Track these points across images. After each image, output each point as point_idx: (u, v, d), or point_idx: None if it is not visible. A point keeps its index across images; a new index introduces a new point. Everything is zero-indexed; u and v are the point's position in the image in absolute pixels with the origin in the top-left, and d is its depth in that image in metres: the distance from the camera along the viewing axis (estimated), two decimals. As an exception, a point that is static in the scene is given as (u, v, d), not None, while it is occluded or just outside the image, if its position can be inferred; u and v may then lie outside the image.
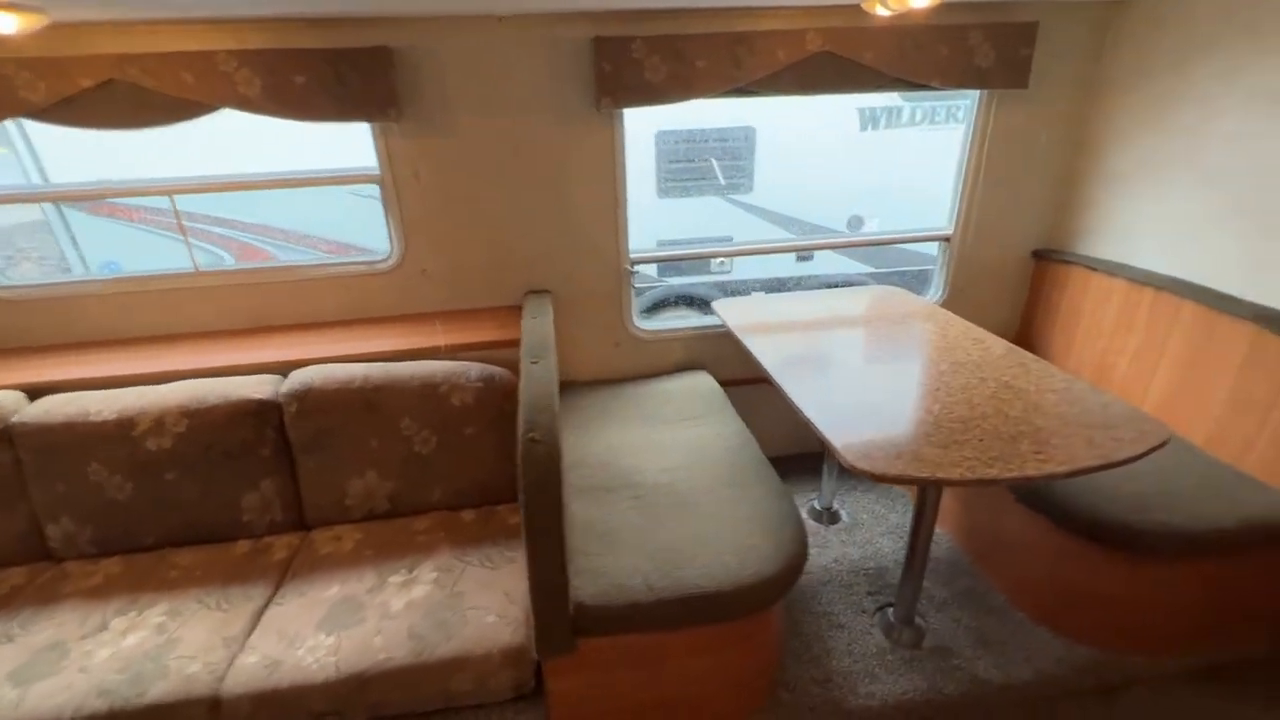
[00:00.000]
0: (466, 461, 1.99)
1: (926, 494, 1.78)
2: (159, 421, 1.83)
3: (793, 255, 4.46)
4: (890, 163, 4.26)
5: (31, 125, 2.47)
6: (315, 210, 4.34)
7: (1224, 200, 1.99)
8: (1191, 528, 1.67)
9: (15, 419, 1.80)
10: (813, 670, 1.86)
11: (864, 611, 2.07)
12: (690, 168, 4.19)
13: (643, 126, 4.05)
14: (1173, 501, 1.75)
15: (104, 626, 1.62)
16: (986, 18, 2.18)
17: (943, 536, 2.39)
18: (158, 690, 1.43)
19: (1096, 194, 2.45)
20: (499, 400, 1.99)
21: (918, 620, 2.00)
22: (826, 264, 4.66)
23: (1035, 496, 1.86)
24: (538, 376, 1.62)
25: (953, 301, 2.72)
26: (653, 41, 2.02)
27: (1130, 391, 2.28)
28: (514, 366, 1.89)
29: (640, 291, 4.54)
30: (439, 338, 2.13)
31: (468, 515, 2.00)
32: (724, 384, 2.50)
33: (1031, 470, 1.34)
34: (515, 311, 2.30)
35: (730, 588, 1.49)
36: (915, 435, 1.49)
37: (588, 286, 2.44)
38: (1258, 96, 1.86)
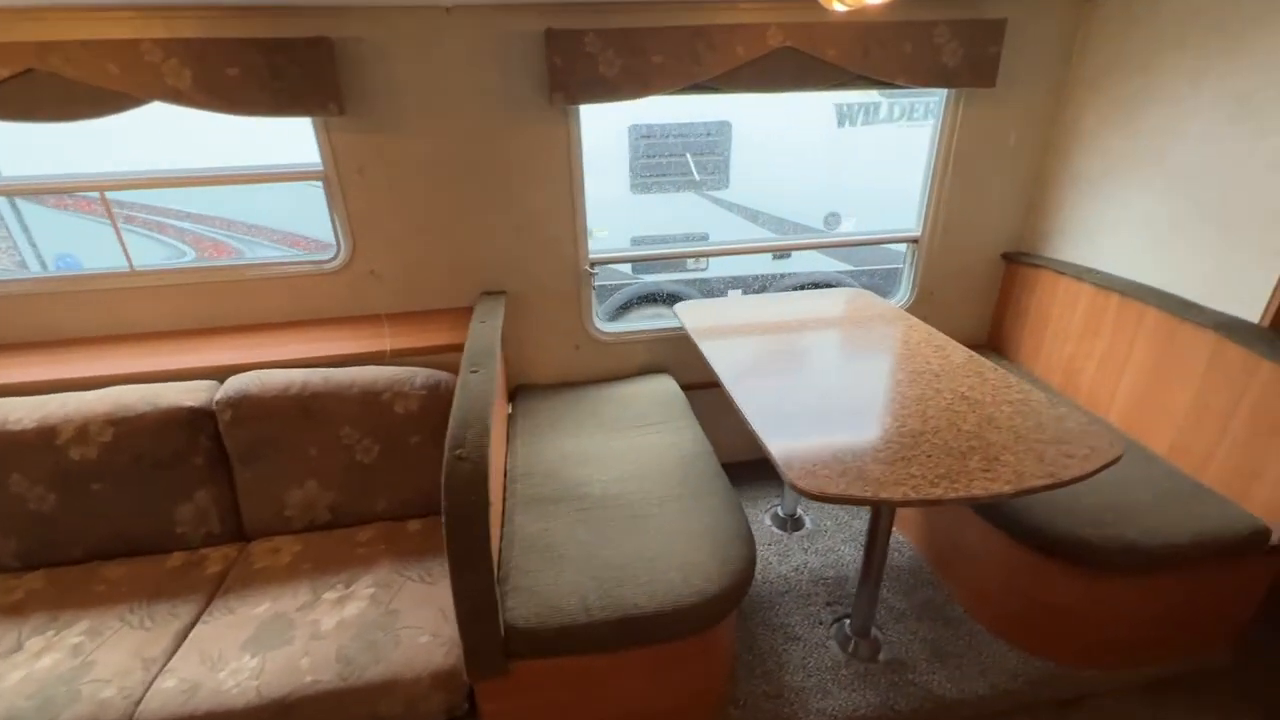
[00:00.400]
0: (410, 471, 1.92)
1: (881, 508, 1.73)
2: (83, 430, 1.75)
3: (768, 253, 4.39)
4: (867, 160, 4.21)
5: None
6: (294, 205, 4.23)
7: (1188, 205, 1.94)
8: (1145, 543, 1.63)
9: (-70, 427, 1.72)
10: (765, 685, 1.82)
11: (821, 623, 2.03)
12: (664, 163, 4.11)
13: (615, 121, 3.96)
14: (1129, 515, 1.72)
15: (19, 647, 1.54)
16: (953, 14, 2.12)
17: (905, 544, 2.35)
18: (67, 716, 1.36)
19: (1065, 196, 2.40)
20: (444, 408, 1.91)
21: (874, 632, 1.97)
22: (804, 262, 4.61)
23: (991, 509, 1.82)
24: (474, 387, 1.55)
25: (921, 304, 2.67)
26: (607, 35, 1.94)
27: (1097, 397, 2.25)
28: (459, 373, 1.82)
29: (612, 290, 4.49)
30: (385, 341, 2.06)
31: (413, 526, 1.93)
32: (687, 388, 2.44)
33: (978, 490, 1.29)
34: (468, 314, 2.23)
35: (671, 608, 1.44)
36: (864, 450, 1.44)
37: (545, 287, 2.37)
38: (1224, 98, 1.81)
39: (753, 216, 4.38)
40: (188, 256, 4.14)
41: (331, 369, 1.92)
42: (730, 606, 1.51)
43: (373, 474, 1.91)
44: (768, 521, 2.48)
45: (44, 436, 1.73)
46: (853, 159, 4.25)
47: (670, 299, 4.55)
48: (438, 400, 1.92)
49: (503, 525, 1.72)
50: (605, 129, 3.98)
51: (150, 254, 4.10)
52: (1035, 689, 1.81)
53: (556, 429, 2.20)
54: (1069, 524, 1.69)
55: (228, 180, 2.13)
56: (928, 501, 1.28)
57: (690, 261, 4.45)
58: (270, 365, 1.95)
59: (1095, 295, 2.24)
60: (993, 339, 2.78)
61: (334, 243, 2.19)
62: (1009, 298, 2.67)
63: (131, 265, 2.11)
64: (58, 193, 2.10)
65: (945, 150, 2.41)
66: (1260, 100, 1.72)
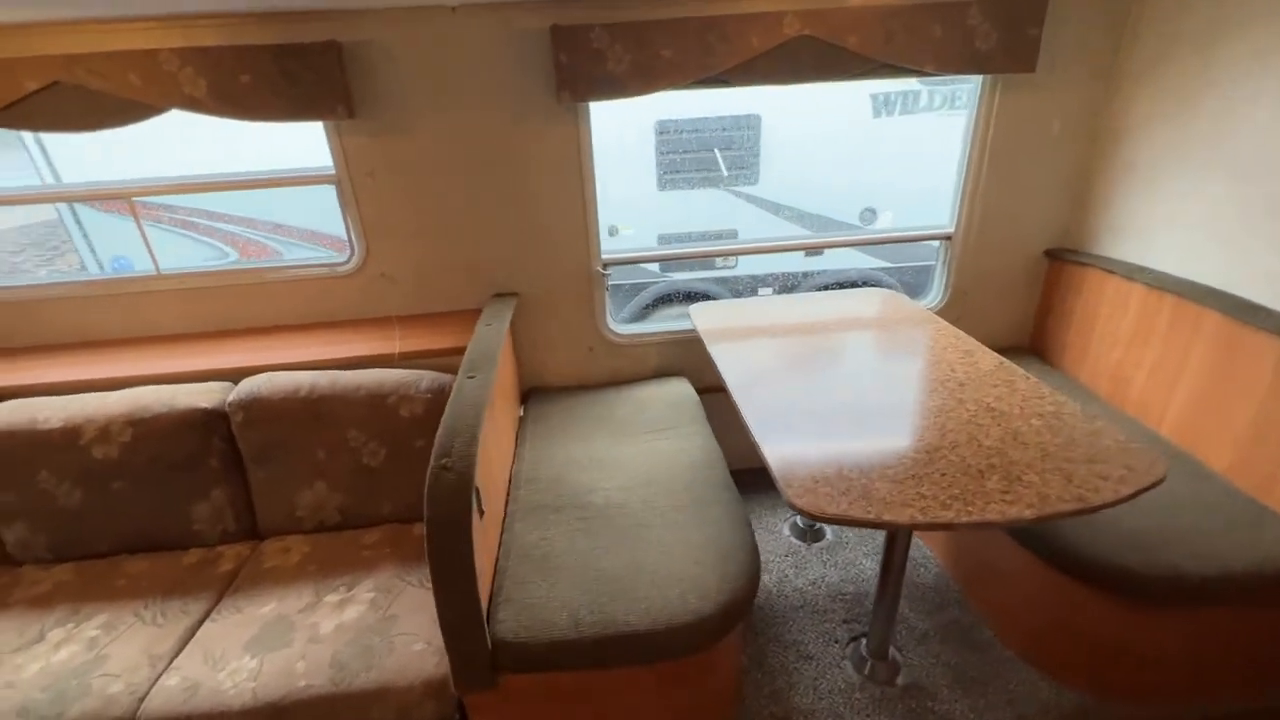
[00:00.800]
0: (415, 475, 1.91)
1: (897, 524, 1.63)
2: (104, 430, 1.81)
3: (789, 251, 4.25)
4: (906, 152, 4.01)
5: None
6: (330, 205, 4.34)
7: (1254, 196, 1.75)
8: (1194, 571, 1.48)
9: (-31, 425, 1.81)
10: (772, 707, 1.74)
11: (836, 641, 1.93)
12: (692, 158, 4.02)
13: (641, 116, 3.90)
14: (1177, 539, 1.56)
15: (40, 638, 1.61)
16: (986, -6, 1.97)
17: (931, 560, 2.22)
18: (75, 711, 1.41)
19: (1115, 188, 2.21)
20: (449, 411, 1.90)
21: (893, 654, 1.86)
22: (838, 260, 4.44)
23: (1022, 529, 1.69)
24: (468, 394, 1.53)
25: (954, 305, 2.52)
26: (614, 29, 1.88)
27: (1148, 408, 2.07)
28: (462, 377, 1.80)
29: (640, 288, 4.43)
30: (395, 344, 2.06)
31: (418, 529, 1.93)
32: (703, 392, 2.37)
33: (993, 515, 1.19)
34: (479, 316, 2.21)
35: (664, 627, 1.38)
36: (872, 466, 1.34)
37: (557, 289, 2.34)
38: (1297, 79, 1.62)
39: (783, 212, 4.25)
40: (230, 257, 4.31)
41: (340, 371, 1.94)
42: (728, 626, 1.44)
43: (379, 477, 1.92)
44: (786, 531, 2.39)
45: (69, 436, 1.80)
46: (890, 151, 4.06)
47: (699, 297, 4.47)
48: (442, 404, 1.89)
49: (503, 533, 1.70)
50: (632, 125, 3.93)
51: (196, 255, 4.27)
52: (1068, 724, 1.68)
53: (566, 433, 2.16)
54: (1108, 548, 1.55)
55: (243, 185, 2.17)
56: (936, 525, 1.18)
57: (719, 259, 4.35)
58: (283, 367, 1.98)
59: (1148, 296, 2.05)
60: (1034, 343, 2.60)
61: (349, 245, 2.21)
62: (1053, 298, 2.48)
63: (158, 269, 2.18)
64: (86, 200, 2.18)
65: (981, 141, 2.25)
66: (1339, 79, 1.53)
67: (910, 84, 3.91)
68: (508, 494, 1.86)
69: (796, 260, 4.42)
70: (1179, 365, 1.95)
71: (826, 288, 4.51)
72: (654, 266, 4.41)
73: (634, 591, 1.46)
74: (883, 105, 3.97)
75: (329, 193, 2.12)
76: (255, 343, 2.15)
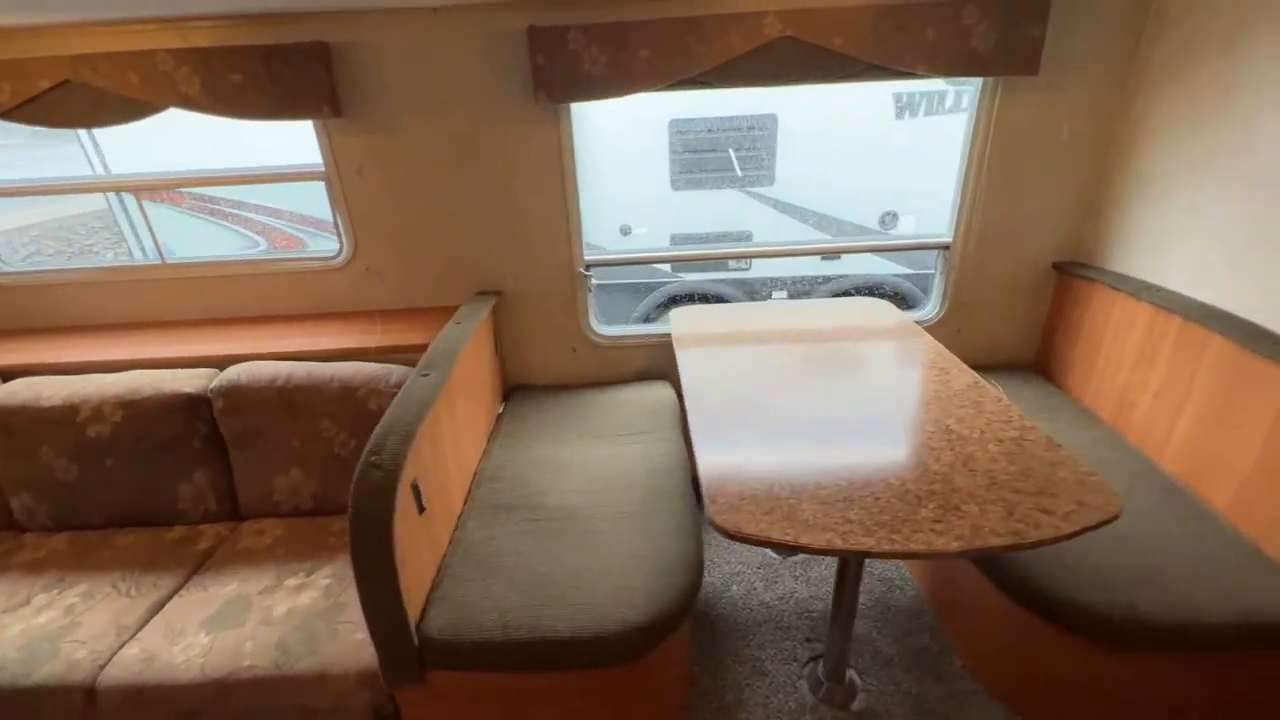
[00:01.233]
0: (382, 467, 1.97)
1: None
2: (98, 410, 1.92)
3: (784, 255, 4.17)
4: (930, 155, 3.84)
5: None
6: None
7: (1271, 214, 1.60)
8: (1163, 617, 1.37)
9: (-16, 399, 1.95)
10: (718, 721, 1.72)
11: (795, 660, 1.89)
12: (706, 158, 3.97)
13: (655, 115, 3.87)
14: (1155, 581, 1.45)
15: (27, 601, 1.72)
16: (984, -8, 1.86)
17: (909, 583, 2.14)
18: (43, 673, 1.50)
19: (1128, 199, 2.07)
20: (417, 407, 1.94)
21: (851, 677, 1.80)
22: (857, 264, 4.31)
23: (986, 558, 1.60)
24: (416, 392, 1.55)
25: (953, 317, 2.41)
26: (591, 30, 1.87)
27: (1150, 437, 1.93)
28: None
29: (651, 288, 4.41)
30: (374, 338, 2.12)
31: (385, 520, 1.97)
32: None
33: (917, 545, 1.13)
34: (459, 313, 2.25)
35: (589, 636, 1.37)
36: (805, 486, 1.30)
37: (540, 289, 2.35)
38: (1320, 84, 1.48)
39: (800, 215, 4.14)
40: (260, 247, 4.51)
41: (317, 364, 2.00)
42: (656, 640, 1.42)
43: (349, 467, 1.97)
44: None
45: (67, 414, 1.92)
46: (913, 154, 3.90)
47: (711, 299, 4.42)
48: (412, 399, 1.95)
49: (455, 529, 1.72)
50: (646, 124, 3.90)
51: (227, 244, 4.49)
52: (1029, 768, 1.59)
53: (538, 433, 2.18)
54: (1072, 585, 1.45)
55: (238, 181, 2.27)
56: (852, 552, 1.13)
57: (732, 261, 4.29)
58: (270, 356, 2.06)
59: (1155, 317, 1.91)
60: (1040, 361, 2.46)
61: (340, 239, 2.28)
62: (1060, 314, 2.34)
63: (163, 258, 2.30)
64: (93, 191, 2.31)
65: (980, 147, 2.14)
66: (1362, 85, 1.38)
67: (936, 84, 3.75)
68: (469, 491, 1.88)
69: (813, 264, 4.31)
70: (1184, 393, 1.81)
71: (846, 293, 4.39)
72: (666, 267, 4.39)
73: (566, 598, 1.46)
74: (906, 106, 3.82)
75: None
76: (248, 331, 2.24)
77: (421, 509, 1.47)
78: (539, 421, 2.26)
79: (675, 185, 4.06)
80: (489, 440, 2.15)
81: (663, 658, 1.55)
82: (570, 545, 1.63)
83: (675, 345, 2.01)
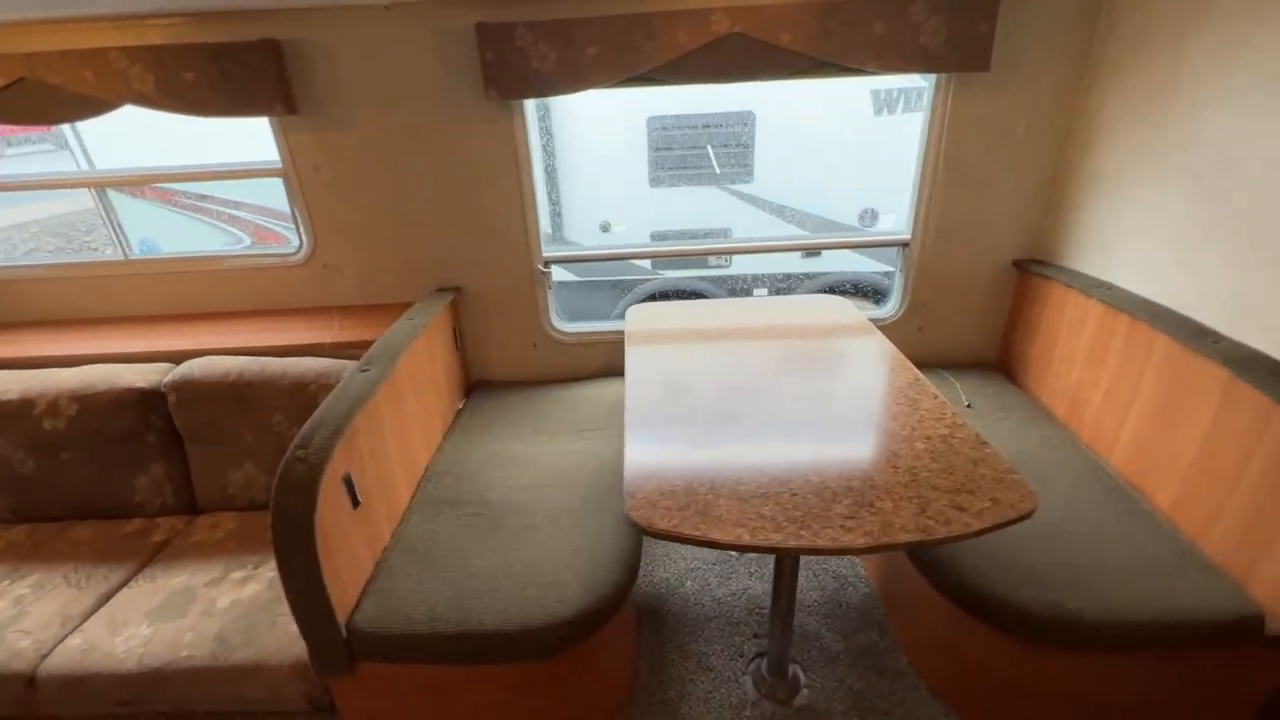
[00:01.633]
0: (334, 461, 1.98)
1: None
2: (54, 404, 1.95)
3: (743, 253, 4.18)
4: (907, 151, 3.82)
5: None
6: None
7: (1214, 210, 1.59)
8: (1090, 615, 1.37)
9: (-56, 393, 1.98)
10: (659, 716, 1.72)
11: (741, 655, 1.89)
12: (684, 156, 3.97)
13: (633, 112, 3.86)
14: (1087, 579, 1.45)
15: (-21, 592, 1.75)
16: (934, -13, 1.85)
17: (863, 580, 2.14)
18: (-15, 659, 1.53)
19: (1084, 196, 2.05)
20: (368, 402, 1.96)
21: (796, 673, 1.81)
22: (837, 261, 4.30)
23: (921, 553, 1.60)
24: (353, 388, 1.56)
25: (913, 315, 2.40)
26: (538, 27, 1.87)
27: (1100, 435, 1.92)
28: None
29: (631, 285, 4.41)
30: (330, 334, 2.13)
31: (337, 514, 1.99)
32: (644, 393, 2.34)
33: (824, 541, 1.13)
34: (417, 309, 2.26)
35: (515, 629, 1.38)
36: (725, 482, 1.30)
37: (500, 285, 2.36)
38: (1257, 79, 1.46)
39: (780, 212, 4.14)
40: (244, 243, 4.54)
41: (271, 359, 2.02)
42: (583, 634, 1.43)
43: (301, 461, 1.99)
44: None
45: (24, 407, 1.95)
46: (892, 151, 3.88)
47: (691, 296, 4.42)
48: (363, 394, 1.96)
49: (399, 524, 1.74)
50: (624, 121, 3.90)
51: (212, 240, 4.52)
52: (965, 765, 1.59)
53: (494, 428, 2.19)
54: (1003, 583, 1.45)
55: (197, 177, 2.29)
56: (759, 548, 1.13)
57: (713, 258, 4.28)
58: (228, 351, 2.08)
59: (1105, 315, 1.90)
60: (1002, 359, 2.45)
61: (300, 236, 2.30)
62: (1020, 312, 2.33)
63: (127, 254, 2.33)
64: (52, 188, 2.33)
65: (936, 144, 2.13)
66: (1294, 80, 1.37)
67: (915, 80, 3.72)
68: (418, 486, 1.90)
69: (794, 261, 4.31)
70: (1132, 391, 1.80)
71: (832, 290, 4.38)
72: (647, 264, 4.39)
73: (497, 592, 1.47)
74: (884, 103, 3.80)
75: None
76: (208, 327, 2.26)
77: (356, 503, 1.49)
78: (497, 417, 2.27)
79: (654, 182, 4.06)
80: (445, 435, 2.17)
81: (595, 651, 1.56)
82: (508, 540, 1.64)
83: (627, 342, 2.01)
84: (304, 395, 1.96)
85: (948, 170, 2.16)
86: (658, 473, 1.34)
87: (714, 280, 4.38)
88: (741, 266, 4.34)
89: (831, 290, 4.27)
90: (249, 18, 1.93)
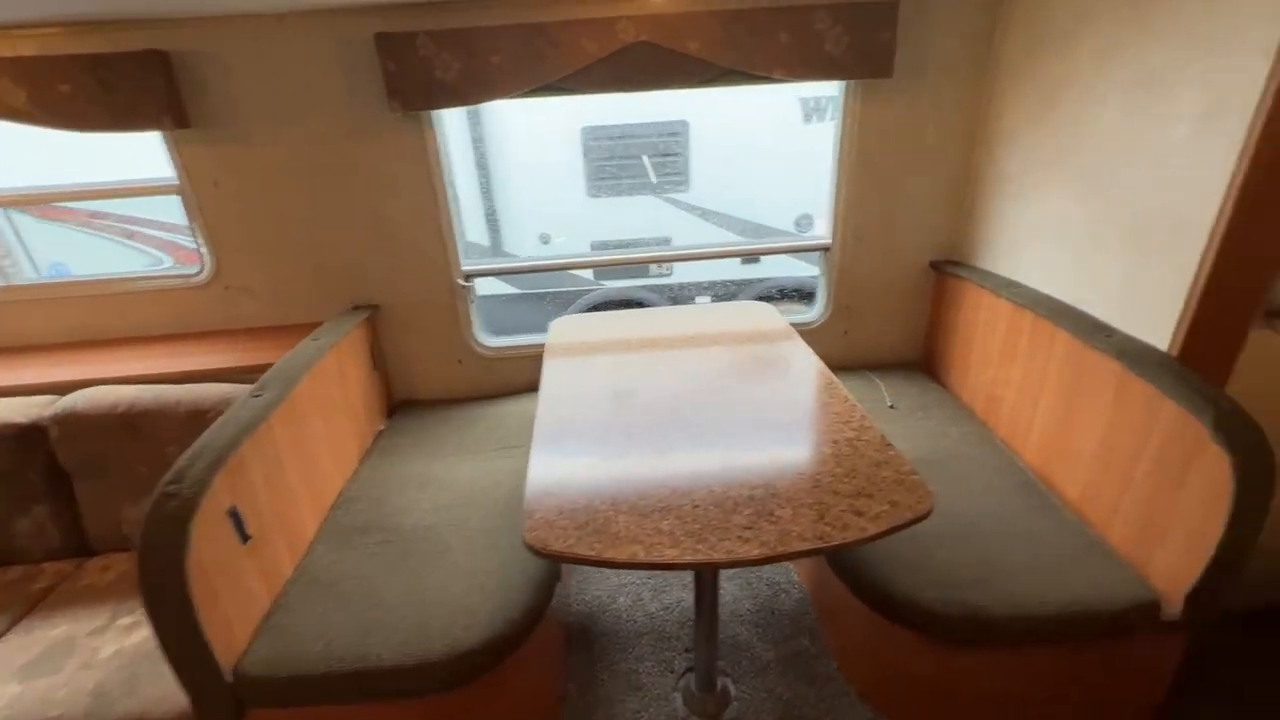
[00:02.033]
0: (237, 492, 1.87)
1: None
2: (-79, 444, 1.79)
3: (665, 261, 4.21)
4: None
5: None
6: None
7: (1102, 208, 1.65)
8: (995, 613, 1.38)
9: None
10: (584, 741, 1.67)
11: (672, 671, 1.85)
12: (621, 165, 3.96)
13: (568, 122, 3.84)
14: (994, 577, 1.46)
15: None
16: (835, -3, 1.89)
17: (795, 585, 2.13)
18: None
19: (990, 198, 2.11)
20: (272, 428, 1.86)
21: (724, 685, 1.78)
22: (778, 266, 4.35)
23: (837, 556, 1.60)
24: (241, 414, 1.47)
25: (839, 319, 2.43)
26: (440, 36, 1.83)
27: (1015, 431, 1.96)
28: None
29: (573, 296, 4.38)
30: (235, 357, 2.02)
31: (243, 548, 1.88)
32: (573, 407, 2.30)
33: (718, 555, 1.10)
34: (331, 328, 2.17)
35: (414, 663, 1.32)
36: (627, 496, 1.27)
37: (420, 300, 2.29)
38: (1133, 80, 1.52)
39: (717, 219, 4.17)
40: (165, 264, 4.32)
41: (166, 386, 1.90)
42: (495, 660, 1.37)
43: (202, 494, 1.87)
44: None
45: (-116, 450, 1.78)
46: (823, 157, 3.95)
47: (636, 306, 4.40)
48: (267, 420, 1.86)
49: (304, 555, 1.64)
50: (559, 132, 3.87)
51: (129, 262, 4.30)
52: (892, 769, 1.58)
53: (415, 449, 2.11)
54: (912, 584, 1.45)
55: (89, 195, 2.16)
56: (654, 565, 1.10)
57: (654, 267, 4.28)
58: (120, 380, 1.95)
59: (1013, 313, 1.95)
60: (927, 360, 2.50)
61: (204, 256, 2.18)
62: (939, 312, 2.38)
63: (8, 280, 2.17)
64: None
65: (849, 149, 2.17)
66: (1158, 84, 1.43)
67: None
68: (327, 514, 1.81)
69: (735, 267, 4.34)
70: (1039, 387, 1.85)
71: (771, 296, 4.43)
72: (589, 275, 4.36)
73: (400, 622, 1.40)
74: (813, 110, 3.88)
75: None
76: (103, 354, 2.12)
77: (246, 537, 1.40)
78: (420, 437, 2.19)
79: (592, 192, 4.04)
80: (363, 459, 2.08)
81: (510, 678, 1.49)
82: (418, 566, 1.57)
83: (545, 355, 1.97)
84: (202, 423, 1.84)
85: (862, 175, 2.20)
86: (558, 490, 1.30)
87: (656, 289, 4.38)
88: (683, 274, 4.35)
89: (770, 296, 4.32)
90: (132, 27, 1.83)
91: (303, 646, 1.35)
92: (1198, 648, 1.50)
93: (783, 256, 4.26)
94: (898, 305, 2.43)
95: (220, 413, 1.81)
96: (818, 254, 2.43)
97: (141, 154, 2.12)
